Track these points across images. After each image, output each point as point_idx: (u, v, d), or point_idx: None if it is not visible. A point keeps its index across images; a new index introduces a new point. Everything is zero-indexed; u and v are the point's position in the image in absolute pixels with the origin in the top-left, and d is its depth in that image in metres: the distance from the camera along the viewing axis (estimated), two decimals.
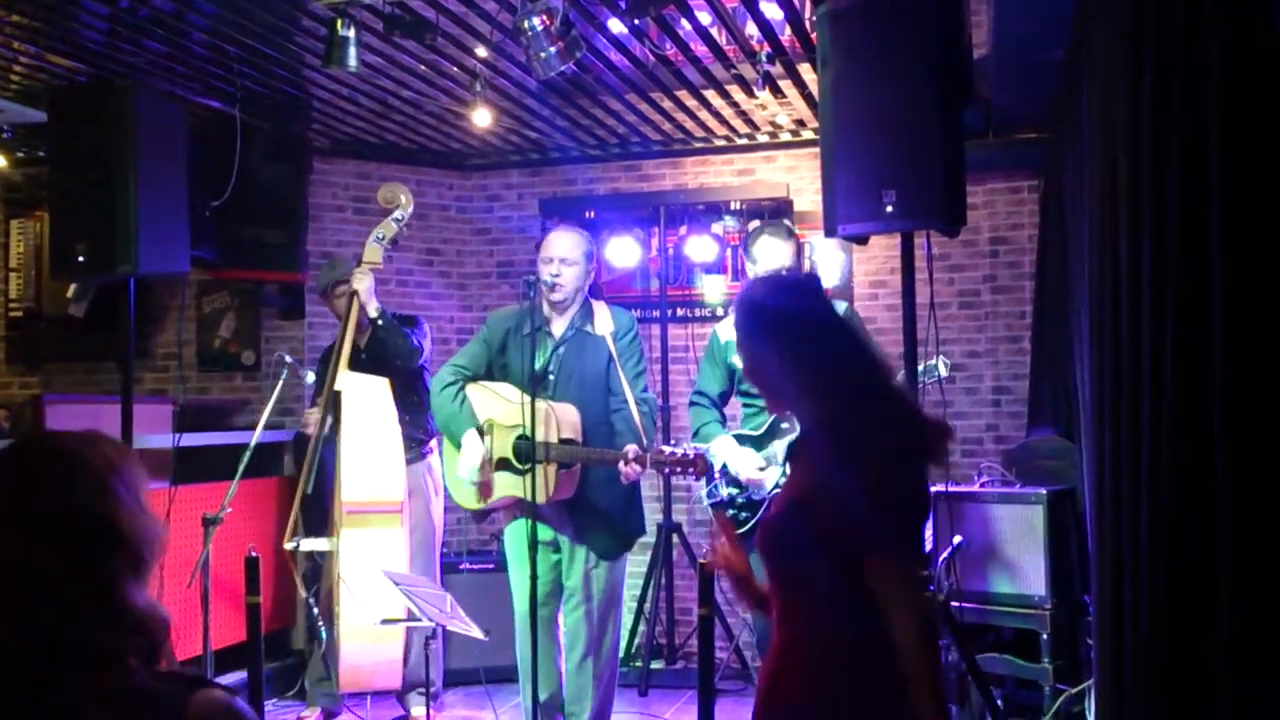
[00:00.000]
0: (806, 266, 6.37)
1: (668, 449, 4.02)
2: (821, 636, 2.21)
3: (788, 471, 2.53)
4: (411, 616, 3.98)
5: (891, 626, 2.11)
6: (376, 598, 4.31)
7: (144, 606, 1.46)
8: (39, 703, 1.39)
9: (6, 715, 1.40)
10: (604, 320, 4.35)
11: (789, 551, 2.26)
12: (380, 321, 5.00)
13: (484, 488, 4.26)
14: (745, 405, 4.65)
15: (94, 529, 1.45)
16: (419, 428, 5.14)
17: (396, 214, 5.03)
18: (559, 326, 4.33)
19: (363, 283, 4.94)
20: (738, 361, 4.54)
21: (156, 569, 1.54)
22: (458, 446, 4.28)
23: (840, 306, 4.47)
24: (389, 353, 5.02)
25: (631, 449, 3.99)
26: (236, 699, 1.49)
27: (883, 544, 2.16)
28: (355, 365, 4.87)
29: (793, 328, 2.32)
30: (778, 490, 3.82)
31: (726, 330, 4.66)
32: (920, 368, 4.17)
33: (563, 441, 4.09)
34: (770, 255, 4.45)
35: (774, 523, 2.33)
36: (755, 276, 4.20)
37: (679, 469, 3.98)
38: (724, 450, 4.52)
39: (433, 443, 5.22)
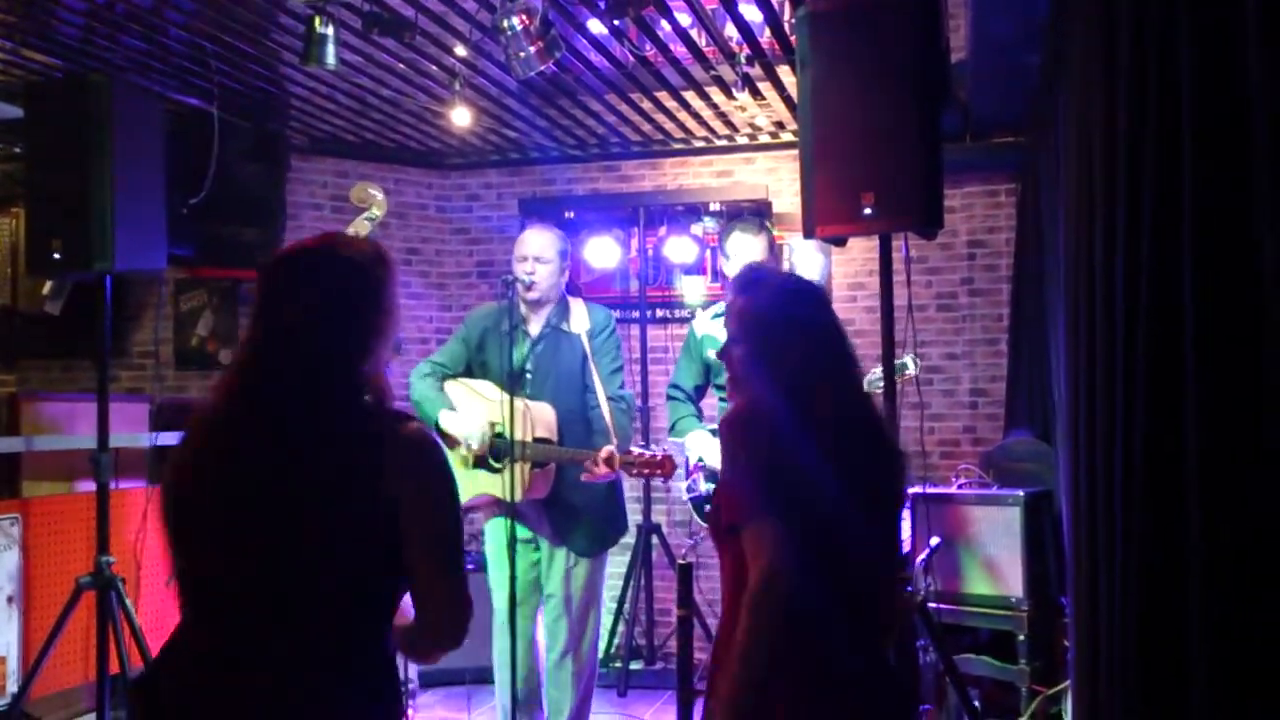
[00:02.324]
0: (785, 264, 6.39)
1: (635, 450, 4.02)
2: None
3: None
4: None
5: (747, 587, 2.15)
6: None
7: (375, 373, 2.06)
8: (309, 418, 1.97)
9: (288, 425, 1.97)
10: (580, 318, 4.35)
11: (717, 522, 2.32)
12: None
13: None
14: (721, 401, 4.66)
15: (369, 313, 2.05)
16: None
17: (370, 213, 5.01)
18: (535, 325, 4.33)
19: None
20: (713, 356, 4.57)
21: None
22: (434, 426, 4.26)
23: None
24: None
25: (605, 450, 3.99)
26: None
27: (763, 511, 2.17)
28: None
29: (789, 330, 2.34)
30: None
31: (703, 324, 4.67)
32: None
33: (537, 440, 4.09)
34: (742, 251, 4.46)
35: (715, 496, 2.42)
36: (759, 266, 4.20)
37: (646, 470, 3.99)
38: (700, 445, 4.53)
39: None
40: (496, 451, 4.18)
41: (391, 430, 1.99)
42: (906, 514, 4.56)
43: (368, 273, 2.07)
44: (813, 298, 2.46)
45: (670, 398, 4.72)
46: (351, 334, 2.03)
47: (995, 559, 4.73)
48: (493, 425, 4.19)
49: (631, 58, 5.28)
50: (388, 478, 1.93)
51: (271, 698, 1.90)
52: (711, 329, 4.55)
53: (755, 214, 6.33)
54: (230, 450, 1.99)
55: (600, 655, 4.84)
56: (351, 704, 1.94)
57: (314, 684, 1.92)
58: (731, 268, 4.49)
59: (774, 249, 4.57)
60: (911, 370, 4.62)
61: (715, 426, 4.54)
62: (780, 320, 2.35)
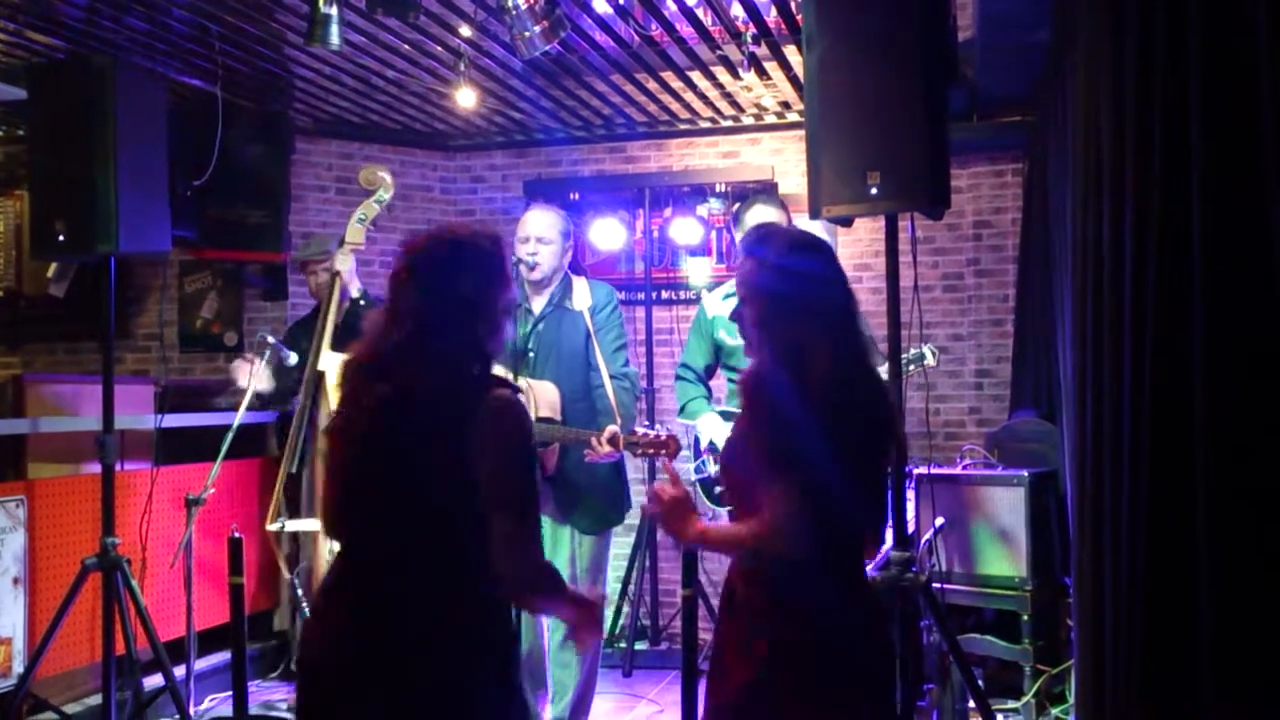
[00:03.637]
0: None
1: (640, 430, 4.02)
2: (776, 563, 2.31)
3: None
4: None
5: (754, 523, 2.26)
6: None
7: (488, 341, 2.31)
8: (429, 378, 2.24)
9: (414, 385, 2.23)
10: (582, 295, 4.35)
11: (745, 473, 2.35)
12: (362, 301, 5.00)
13: None
14: (730, 382, 4.65)
15: (477, 299, 2.31)
16: None
17: (378, 195, 5.02)
18: (538, 304, 4.33)
19: (345, 263, 4.94)
20: (724, 337, 4.56)
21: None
22: None
23: None
24: None
25: (608, 430, 3.99)
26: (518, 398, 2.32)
27: (783, 473, 2.24)
28: (333, 344, 4.87)
29: (791, 279, 2.41)
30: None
31: (713, 305, 4.65)
32: (906, 356, 4.15)
33: (540, 420, 4.09)
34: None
35: (733, 447, 2.45)
36: (767, 226, 4.19)
37: (650, 450, 3.99)
38: (710, 427, 4.53)
39: None
40: None
41: (482, 396, 2.25)
42: (911, 494, 4.56)
43: (493, 255, 2.35)
44: (817, 248, 2.53)
45: (680, 378, 4.71)
46: (482, 312, 2.30)
47: (1000, 539, 4.73)
48: None
49: (637, 37, 5.25)
50: (470, 438, 2.19)
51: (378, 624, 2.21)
52: (722, 310, 4.53)
53: (762, 192, 6.31)
54: (364, 407, 2.28)
55: (605, 635, 4.85)
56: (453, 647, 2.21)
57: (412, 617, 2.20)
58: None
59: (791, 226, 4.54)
60: (930, 360, 4.59)
61: (726, 409, 4.55)
62: (783, 269, 2.42)
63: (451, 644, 2.20)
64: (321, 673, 2.28)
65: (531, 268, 4.24)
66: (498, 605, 2.30)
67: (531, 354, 4.26)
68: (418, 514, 2.21)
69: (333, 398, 4.73)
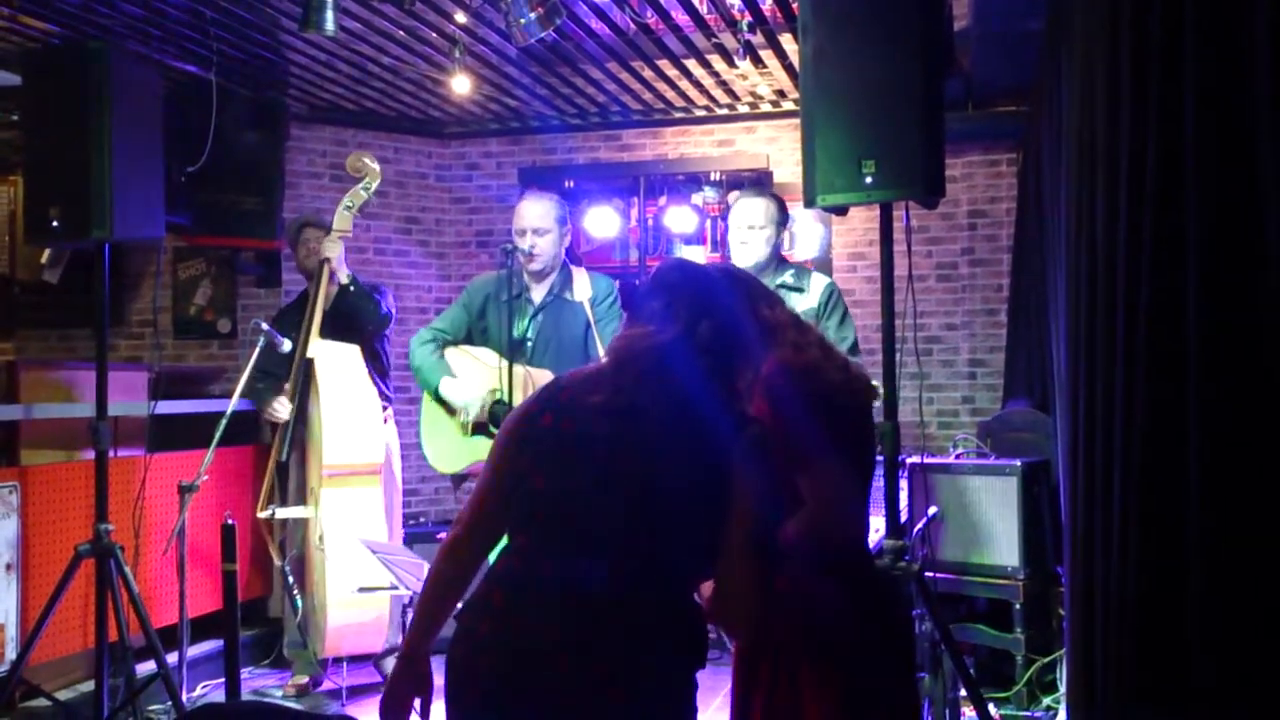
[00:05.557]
0: (788, 231, 6.35)
1: None
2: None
3: None
4: (389, 585, 3.99)
5: None
6: (357, 563, 4.32)
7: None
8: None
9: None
10: (583, 286, 4.36)
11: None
12: (352, 288, 5.00)
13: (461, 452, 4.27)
14: None
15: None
16: (379, 393, 5.13)
17: (365, 182, 5.01)
18: (538, 293, 4.33)
19: (334, 250, 4.94)
20: None
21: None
22: (434, 394, 4.30)
23: (823, 282, 4.45)
24: (360, 319, 5.02)
25: None
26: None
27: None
28: (321, 330, 4.88)
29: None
30: None
31: None
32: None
33: None
34: (743, 214, 4.39)
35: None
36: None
37: None
38: None
39: (390, 409, 5.24)
40: (496, 418, 4.19)
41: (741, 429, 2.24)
42: (904, 483, 4.57)
43: (756, 289, 2.43)
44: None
45: None
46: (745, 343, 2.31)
47: (992, 528, 4.74)
48: (493, 392, 4.20)
49: (633, 25, 5.24)
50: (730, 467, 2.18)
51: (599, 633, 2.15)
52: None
53: (755, 183, 6.31)
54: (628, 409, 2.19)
55: None
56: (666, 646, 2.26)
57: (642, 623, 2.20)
58: (732, 235, 4.44)
59: (784, 210, 4.49)
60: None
61: None
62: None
63: (671, 653, 2.27)
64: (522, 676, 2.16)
65: (531, 258, 4.25)
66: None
67: (530, 343, 4.27)
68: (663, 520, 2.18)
69: (321, 384, 4.73)
